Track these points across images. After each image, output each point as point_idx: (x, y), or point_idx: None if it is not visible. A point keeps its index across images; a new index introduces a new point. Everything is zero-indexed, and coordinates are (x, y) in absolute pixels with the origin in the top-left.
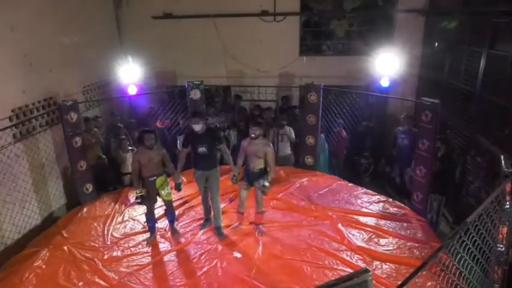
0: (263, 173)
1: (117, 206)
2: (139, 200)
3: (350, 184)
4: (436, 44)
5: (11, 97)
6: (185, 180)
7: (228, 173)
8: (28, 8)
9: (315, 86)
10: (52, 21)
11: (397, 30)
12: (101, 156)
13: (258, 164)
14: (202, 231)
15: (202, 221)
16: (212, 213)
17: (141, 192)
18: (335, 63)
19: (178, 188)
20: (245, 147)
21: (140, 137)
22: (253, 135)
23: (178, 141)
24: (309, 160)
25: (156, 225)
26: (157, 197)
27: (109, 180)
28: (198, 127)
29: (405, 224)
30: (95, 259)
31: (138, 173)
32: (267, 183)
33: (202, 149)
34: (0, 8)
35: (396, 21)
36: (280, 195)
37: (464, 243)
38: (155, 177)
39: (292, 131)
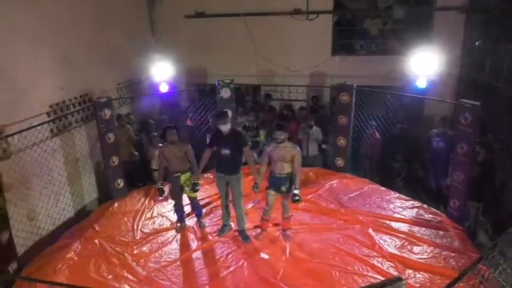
0: (290, 177)
1: (146, 201)
2: (161, 194)
3: (382, 188)
4: (477, 43)
5: (50, 93)
6: (201, 181)
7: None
8: (66, 8)
9: (348, 86)
10: (89, 21)
11: (435, 28)
12: (133, 153)
13: (285, 169)
14: (222, 235)
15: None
16: (232, 215)
17: (161, 185)
18: (368, 63)
19: (193, 188)
20: (269, 152)
21: (163, 133)
22: (278, 140)
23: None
24: (339, 162)
25: (185, 214)
26: (183, 192)
27: (140, 176)
28: (224, 127)
29: (441, 232)
30: (125, 253)
31: (163, 167)
32: (297, 191)
33: (225, 152)
34: (40, 8)
35: (434, 19)
36: (309, 197)
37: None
38: (179, 174)
39: (320, 132)
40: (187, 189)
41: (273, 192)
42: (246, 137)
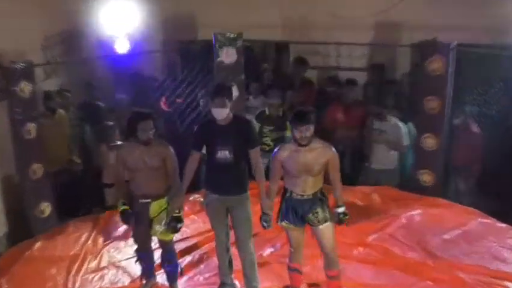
0: (321, 198)
1: (91, 241)
2: (126, 221)
3: (498, 224)
4: None
5: None
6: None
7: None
8: None
9: (441, 45)
10: None
11: None
12: (71, 158)
13: (311, 186)
14: None
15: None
16: (236, 268)
17: (124, 205)
18: (470, 7)
19: (171, 226)
20: (283, 160)
21: (130, 125)
22: (303, 140)
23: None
24: (425, 177)
25: (154, 265)
26: (149, 232)
27: (81, 197)
28: (220, 112)
29: None
30: None
31: (123, 182)
32: (341, 209)
33: (223, 153)
34: None
35: None
36: (370, 239)
37: None
38: (148, 200)
39: (404, 128)
40: (158, 228)
41: (291, 226)
42: (255, 131)
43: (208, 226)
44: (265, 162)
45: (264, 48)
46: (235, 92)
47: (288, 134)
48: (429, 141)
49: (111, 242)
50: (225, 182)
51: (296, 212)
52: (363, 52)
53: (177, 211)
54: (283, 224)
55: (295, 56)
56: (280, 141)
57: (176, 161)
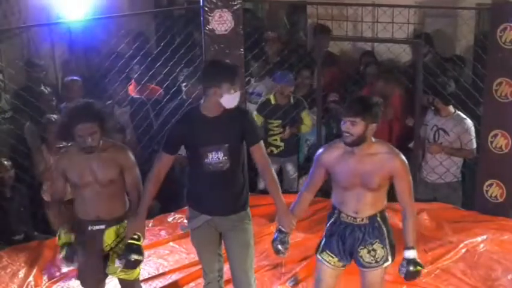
0: (381, 227)
1: (32, 278)
2: (67, 258)
3: None
4: None
5: None
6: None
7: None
8: None
9: None
10: None
11: None
12: (2, 164)
13: (369, 205)
14: None
15: None
16: None
17: (68, 238)
18: None
19: (124, 258)
20: (328, 163)
21: (63, 128)
22: (345, 138)
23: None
24: (493, 191)
25: None
26: (106, 271)
27: (16, 219)
28: (237, 99)
29: None
30: None
31: (62, 202)
32: (412, 253)
33: (215, 156)
34: None
35: None
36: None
37: None
38: (102, 226)
39: (471, 126)
40: (119, 264)
41: (334, 260)
42: (255, 120)
43: (193, 257)
44: (274, 168)
45: (271, 12)
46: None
47: (304, 129)
48: (499, 141)
49: (60, 280)
50: (219, 197)
51: (344, 241)
52: (410, 19)
53: (135, 236)
54: (324, 255)
55: (315, 22)
56: (293, 140)
57: (138, 170)
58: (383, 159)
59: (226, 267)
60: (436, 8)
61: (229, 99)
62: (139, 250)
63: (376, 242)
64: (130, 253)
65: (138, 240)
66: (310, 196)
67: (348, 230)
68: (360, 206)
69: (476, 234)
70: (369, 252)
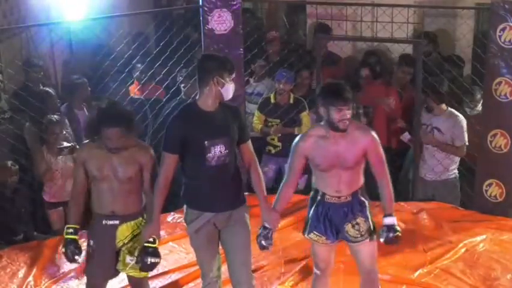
0: (362, 202)
1: (31, 278)
2: (70, 257)
3: None
4: None
5: None
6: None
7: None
8: None
9: None
10: None
11: None
12: (7, 165)
13: (348, 183)
14: None
15: None
16: None
17: (74, 235)
18: None
19: (141, 260)
20: (309, 151)
21: (92, 126)
22: (344, 125)
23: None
24: (493, 190)
25: None
26: (116, 267)
27: (17, 218)
28: (233, 90)
29: None
30: None
31: (82, 197)
32: (390, 220)
33: (218, 149)
34: None
35: None
36: (417, 275)
37: None
38: (116, 221)
39: (464, 122)
40: (129, 260)
41: (323, 238)
42: (244, 119)
43: (192, 257)
44: (273, 168)
45: (270, 11)
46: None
47: (304, 130)
48: (499, 141)
49: (60, 280)
50: (221, 193)
51: (330, 220)
52: (410, 18)
53: (151, 240)
54: (312, 236)
55: (316, 21)
56: (290, 139)
57: (157, 170)
58: (355, 137)
59: (224, 268)
60: (435, 8)
61: (229, 89)
62: (155, 253)
63: (359, 216)
64: (146, 256)
65: (154, 243)
66: (291, 189)
67: (332, 209)
68: (341, 185)
69: (475, 233)
70: (353, 226)
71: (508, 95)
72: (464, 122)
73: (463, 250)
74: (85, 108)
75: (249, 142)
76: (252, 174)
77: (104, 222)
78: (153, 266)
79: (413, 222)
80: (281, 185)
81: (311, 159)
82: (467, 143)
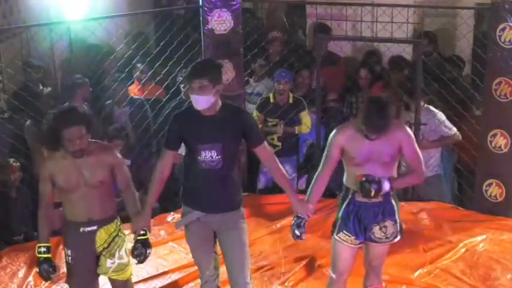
0: (392, 203)
1: (31, 278)
2: (46, 276)
3: None
4: None
5: None
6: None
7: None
8: None
9: None
10: None
11: None
12: (9, 162)
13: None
14: None
15: None
16: None
17: (46, 253)
18: None
19: (137, 253)
20: (346, 141)
21: (51, 133)
22: (377, 127)
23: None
24: (493, 190)
25: None
26: (97, 271)
27: (17, 217)
28: (199, 101)
29: None
30: None
31: (50, 210)
32: (387, 185)
33: (208, 154)
34: None
35: None
36: (417, 275)
37: None
38: (94, 227)
39: (440, 113)
40: (107, 262)
41: (351, 238)
42: (255, 121)
43: (186, 259)
44: None
45: (270, 12)
46: (229, 73)
47: (304, 130)
48: (499, 141)
49: (59, 280)
50: (211, 194)
51: (360, 219)
52: (410, 18)
53: (142, 232)
54: (341, 235)
55: (316, 21)
56: (291, 140)
57: (126, 167)
58: (390, 132)
59: (222, 269)
60: (435, 8)
61: (193, 100)
62: (148, 244)
63: (388, 219)
64: (143, 248)
65: (145, 234)
66: (326, 178)
67: (363, 208)
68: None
69: (475, 233)
70: (380, 229)
71: (508, 95)
72: (441, 114)
73: (463, 250)
74: (86, 108)
75: (264, 144)
76: (273, 173)
77: (81, 229)
78: (147, 256)
79: (413, 222)
80: (315, 176)
81: (347, 151)
82: (455, 130)
